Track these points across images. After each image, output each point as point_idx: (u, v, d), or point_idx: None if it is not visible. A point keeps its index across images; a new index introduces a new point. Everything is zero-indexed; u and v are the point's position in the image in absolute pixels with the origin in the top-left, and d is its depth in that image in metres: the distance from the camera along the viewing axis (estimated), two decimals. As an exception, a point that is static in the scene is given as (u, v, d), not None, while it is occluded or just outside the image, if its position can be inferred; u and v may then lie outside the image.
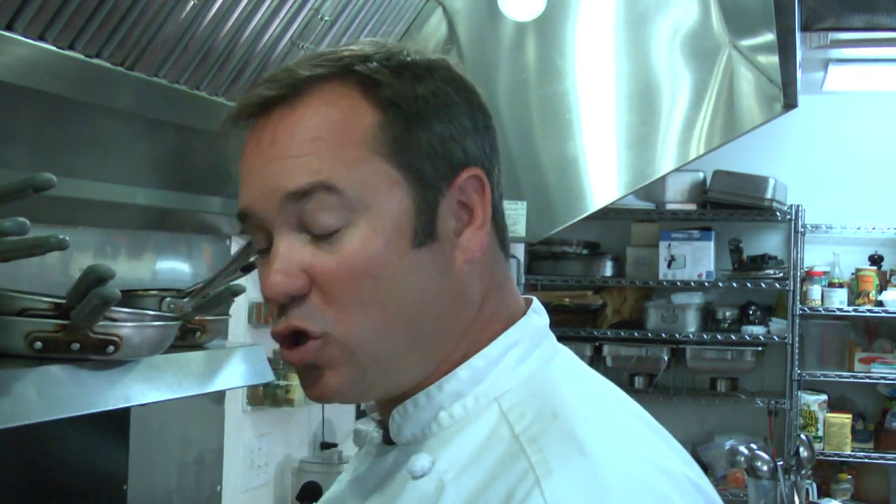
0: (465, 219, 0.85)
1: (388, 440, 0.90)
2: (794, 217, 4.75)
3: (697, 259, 4.77)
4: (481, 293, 0.87)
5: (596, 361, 4.82)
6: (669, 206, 4.83)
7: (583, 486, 0.75)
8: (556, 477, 0.75)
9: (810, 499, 3.25)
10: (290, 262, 0.82)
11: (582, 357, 0.93)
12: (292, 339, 0.83)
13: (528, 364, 0.87)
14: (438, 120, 0.83)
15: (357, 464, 0.96)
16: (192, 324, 1.58)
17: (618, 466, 0.77)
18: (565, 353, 0.91)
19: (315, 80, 0.82)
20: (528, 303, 0.93)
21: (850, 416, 4.70)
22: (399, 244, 0.81)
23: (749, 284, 4.74)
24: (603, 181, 2.74)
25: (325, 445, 2.77)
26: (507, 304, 0.90)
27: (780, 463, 3.07)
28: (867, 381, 4.71)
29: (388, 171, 0.82)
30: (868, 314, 4.66)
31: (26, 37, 1.29)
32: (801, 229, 4.75)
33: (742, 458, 3.23)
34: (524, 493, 0.75)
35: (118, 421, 1.86)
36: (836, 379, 4.72)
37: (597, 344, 4.91)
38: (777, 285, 4.72)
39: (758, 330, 4.74)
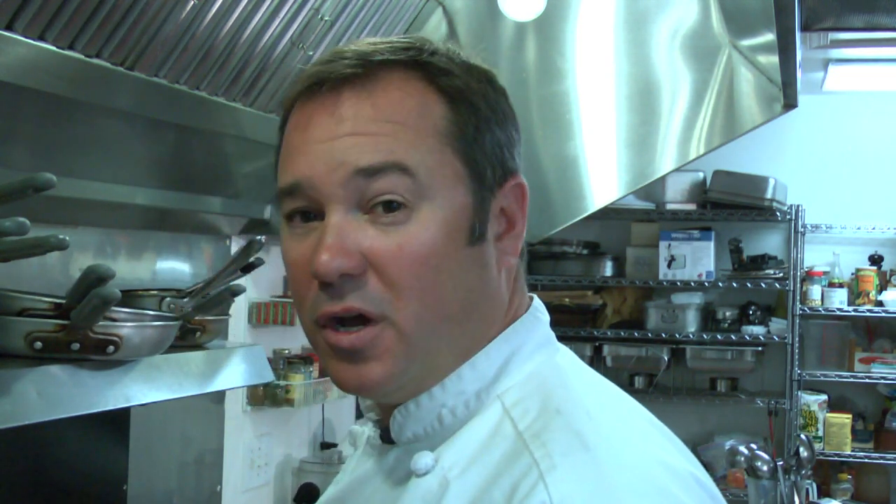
0: (503, 225, 0.86)
1: (387, 440, 0.89)
2: (794, 217, 4.74)
3: (697, 259, 4.77)
4: (509, 297, 0.89)
5: (596, 361, 4.82)
6: (669, 206, 4.83)
7: (587, 481, 0.75)
8: (560, 472, 0.75)
9: (810, 499, 3.25)
10: (347, 239, 0.80)
11: (582, 357, 0.93)
12: (338, 321, 0.81)
13: (530, 362, 0.87)
14: (497, 125, 0.86)
15: (355, 465, 0.96)
16: (192, 324, 1.58)
17: (622, 462, 0.78)
18: (565, 352, 0.92)
19: (388, 64, 0.83)
20: (529, 300, 0.93)
21: (850, 416, 4.70)
22: (457, 238, 0.82)
23: (749, 284, 4.73)
24: (603, 181, 2.73)
25: (325, 445, 2.77)
26: (522, 306, 0.91)
27: (780, 463, 3.07)
28: (867, 381, 4.71)
29: (456, 165, 0.83)
30: (868, 314, 4.66)
31: (26, 37, 1.29)
32: (801, 229, 4.75)
33: (742, 458, 3.23)
34: (528, 487, 0.75)
35: (118, 421, 1.86)
36: (836, 379, 4.71)
37: (597, 344, 4.90)
38: (777, 285, 4.71)
39: (758, 330, 4.74)
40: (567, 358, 0.91)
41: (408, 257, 0.80)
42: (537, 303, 0.93)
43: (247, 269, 1.56)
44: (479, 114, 0.84)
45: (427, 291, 0.80)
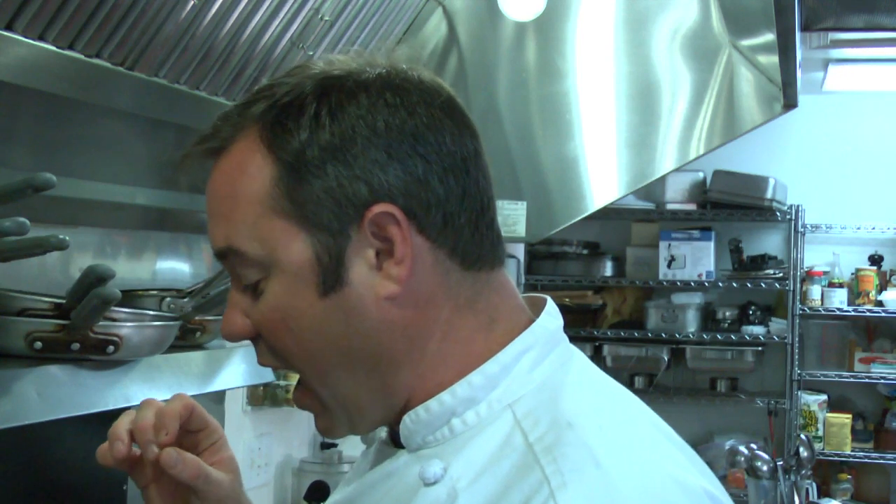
0: (384, 254, 0.82)
1: (396, 442, 0.89)
2: (794, 217, 4.75)
3: (697, 259, 4.77)
4: (428, 320, 0.84)
5: (596, 361, 4.71)
6: (669, 206, 4.83)
7: (597, 500, 0.75)
8: (571, 490, 0.75)
9: (810, 499, 3.25)
10: (236, 308, 0.86)
11: (581, 358, 0.92)
12: None
13: (542, 369, 0.85)
14: (336, 163, 0.81)
15: (365, 465, 0.95)
16: (192, 324, 1.58)
17: (633, 480, 0.77)
18: (580, 358, 0.90)
19: (234, 130, 0.84)
20: (541, 302, 0.91)
21: (850, 416, 4.70)
22: (306, 295, 0.82)
23: (749, 284, 4.73)
24: (603, 181, 2.73)
25: (325, 445, 2.77)
26: (489, 318, 0.87)
27: (780, 463, 3.07)
28: (867, 381, 4.71)
29: (286, 226, 0.82)
30: (868, 314, 4.66)
31: (26, 37, 1.29)
32: (801, 229, 4.75)
33: (742, 458, 3.23)
34: None
35: (118, 421, 1.85)
36: (836, 379, 4.71)
37: (597, 344, 4.90)
38: (777, 285, 4.72)
39: (758, 330, 4.74)
40: (581, 365, 0.89)
41: (269, 324, 0.84)
42: (550, 307, 0.90)
43: (247, 269, 1.55)
44: (301, 166, 0.81)
45: (296, 351, 0.84)
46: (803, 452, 3.05)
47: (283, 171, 0.81)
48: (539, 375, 0.85)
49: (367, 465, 0.94)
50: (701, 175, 4.76)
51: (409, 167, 0.82)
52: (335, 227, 0.81)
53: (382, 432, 0.93)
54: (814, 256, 4.82)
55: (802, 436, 3.30)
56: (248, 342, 0.89)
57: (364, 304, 0.82)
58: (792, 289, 4.67)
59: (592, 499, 0.75)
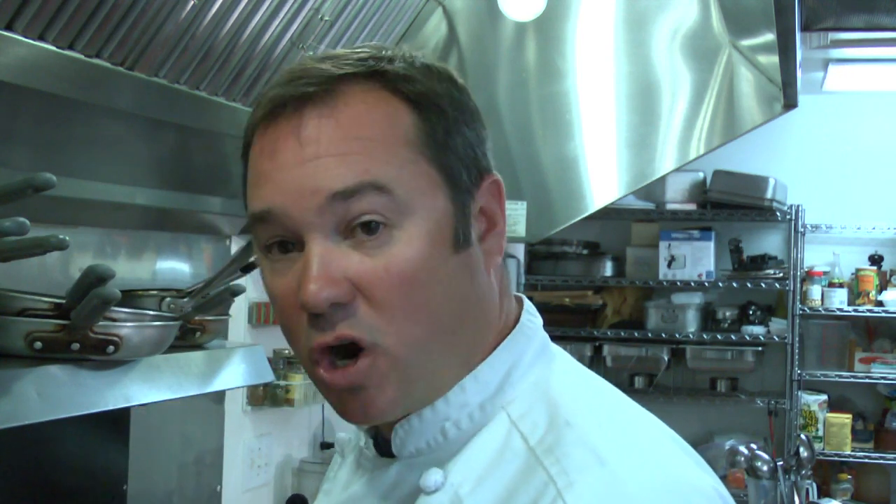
0: (485, 225, 0.84)
1: (384, 452, 0.87)
2: (794, 217, 4.75)
3: (697, 259, 4.77)
4: (499, 299, 0.87)
5: (596, 361, 4.81)
6: (669, 206, 4.83)
7: (606, 497, 0.75)
8: (579, 489, 0.74)
9: (810, 499, 3.25)
10: (331, 268, 0.76)
11: (582, 357, 0.92)
12: (330, 356, 0.79)
13: (532, 369, 0.86)
14: (466, 125, 0.83)
15: (347, 477, 0.93)
16: (192, 324, 1.58)
17: (638, 476, 0.77)
18: (562, 356, 0.90)
19: (347, 78, 0.79)
20: (520, 301, 0.92)
21: (850, 416, 4.70)
22: (442, 248, 0.79)
23: (749, 284, 4.73)
24: (603, 181, 2.74)
25: (325, 445, 2.77)
26: (510, 309, 0.89)
27: (780, 463, 3.07)
28: (867, 381, 4.71)
29: (431, 173, 0.80)
30: (868, 314, 4.66)
31: (26, 37, 1.29)
32: (801, 229, 4.75)
33: (742, 458, 3.23)
34: None
35: (118, 421, 1.86)
36: (836, 379, 4.71)
37: (597, 344, 4.90)
38: (777, 285, 4.71)
39: (758, 330, 4.74)
40: (565, 363, 0.89)
41: (396, 277, 0.77)
42: (528, 305, 0.91)
43: (247, 269, 1.56)
44: (447, 116, 0.81)
45: (418, 309, 0.78)
46: (803, 452, 3.04)
47: (428, 118, 0.80)
48: (529, 376, 0.85)
49: (349, 477, 0.92)
50: (701, 175, 4.76)
51: (490, 147, 0.86)
52: (467, 186, 0.82)
53: (362, 441, 0.91)
54: (814, 256, 4.81)
55: (802, 436, 3.29)
56: (248, 342, 0.88)
57: (481, 266, 0.83)
58: (792, 289, 4.67)
59: (601, 496, 0.75)
